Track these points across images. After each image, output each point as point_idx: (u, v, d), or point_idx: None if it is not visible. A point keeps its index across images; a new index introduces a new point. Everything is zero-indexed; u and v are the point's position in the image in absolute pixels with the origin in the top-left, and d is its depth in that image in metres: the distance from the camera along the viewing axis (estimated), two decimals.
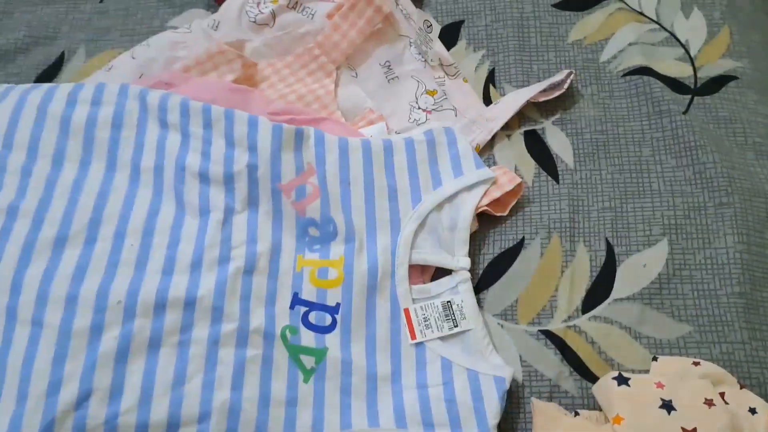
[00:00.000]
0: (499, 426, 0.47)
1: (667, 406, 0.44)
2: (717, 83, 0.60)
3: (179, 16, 0.67)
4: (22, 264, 0.47)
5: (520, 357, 0.50)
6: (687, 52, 0.62)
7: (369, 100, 0.60)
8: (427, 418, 0.45)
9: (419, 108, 0.60)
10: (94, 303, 0.45)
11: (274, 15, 0.62)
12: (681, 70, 0.61)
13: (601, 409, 0.47)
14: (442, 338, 0.49)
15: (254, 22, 0.61)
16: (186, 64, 0.58)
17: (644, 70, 0.61)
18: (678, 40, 0.63)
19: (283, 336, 0.47)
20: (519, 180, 0.54)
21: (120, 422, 0.43)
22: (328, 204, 0.52)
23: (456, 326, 0.49)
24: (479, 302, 0.52)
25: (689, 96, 0.60)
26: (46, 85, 0.55)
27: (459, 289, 0.51)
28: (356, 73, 0.61)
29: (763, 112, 0.59)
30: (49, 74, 0.64)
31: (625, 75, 0.61)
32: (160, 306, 0.46)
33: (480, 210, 0.53)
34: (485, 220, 0.55)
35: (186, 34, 0.61)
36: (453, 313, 0.50)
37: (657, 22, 0.64)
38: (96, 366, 0.44)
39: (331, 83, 0.60)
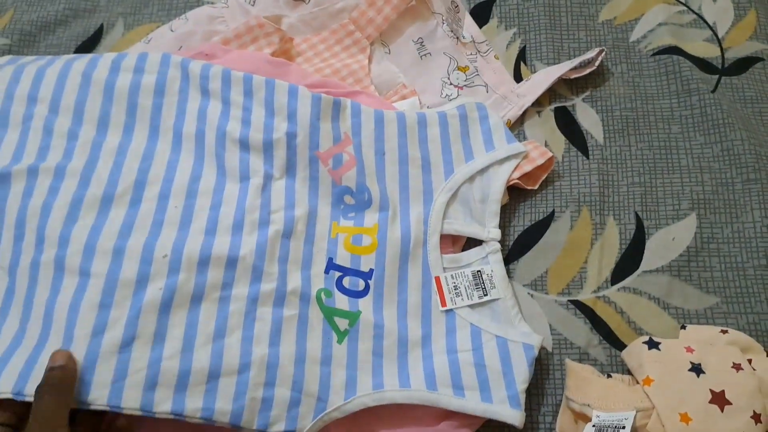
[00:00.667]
0: (529, 392, 0.48)
1: (697, 369, 0.45)
2: (744, 64, 0.61)
3: None
4: (69, 220, 0.48)
5: (550, 326, 0.51)
6: (714, 33, 0.63)
7: (402, 75, 0.61)
8: (456, 382, 0.46)
9: (451, 84, 0.61)
10: (141, 255, 0.47)
11: None
12: (709, 51, 0.62)
13: (630, 374, 0.48)
14: (471, 306, 0.50)
15: None
16: (225, 37, 0.59)
17: (673, 50, 0.62)
18: (706, 21, 0.64)
19: (318, 298, 0.48)
20: (550, 154, 0.55)
21: (163, 367, 0.44)
22: (364, 173, 0.53)
23: (486, 295, 0.50)
24: (509, 273, 0.53)
25: (717, 76, 0.61)
26: (89, 55, 0.56)
27: (489, 259, 0.52)
28: (389, 50, 0.63)
29: None
30: (87, 47, 0.65)
31: (654, 54, 0.62)
32: (203, 262, 0.47)
33: (511, 183, 0.54)
34: (516, 194, 0.56)
35: (223, 9, 0.62)
36: (483, 282, 0.51)
37: (685, 4, 0.65)
38: (141, 314, 0.45)
39: (365, 59, 0.61)
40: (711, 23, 0.64)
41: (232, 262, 0.48)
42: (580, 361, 0.50)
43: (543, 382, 0.50)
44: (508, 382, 0.46)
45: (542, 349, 0.50)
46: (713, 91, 0.59)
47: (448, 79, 0.62)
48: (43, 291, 0.46)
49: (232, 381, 0.45)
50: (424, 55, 0.63)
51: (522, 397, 0.46)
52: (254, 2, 0.63)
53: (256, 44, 0.58)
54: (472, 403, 0.45)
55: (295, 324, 0.47)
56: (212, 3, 0.64)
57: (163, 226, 0.49)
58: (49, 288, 0.46)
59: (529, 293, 0.53)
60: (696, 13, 0.64)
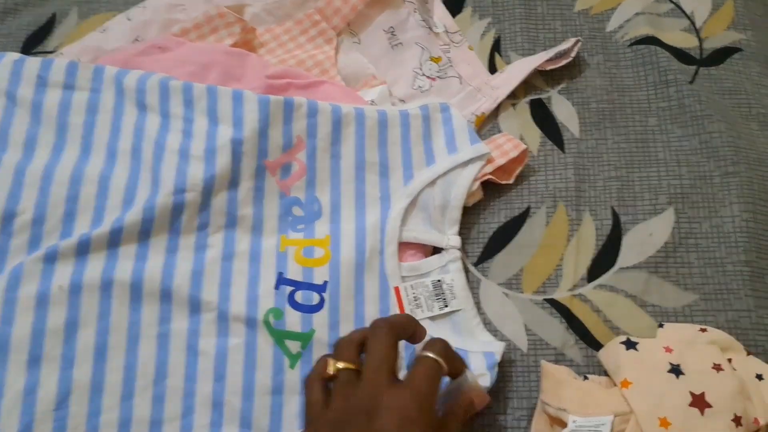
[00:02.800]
0: (503, 395, 0.47)
1: (676, 370, 0.43)
2: (722, 54, 0.60)
3: None
4: None
5: (525, 326, 0.50)
6: (692, 23, 0.62)
7: (371, 66, 0.58)
8: None
9: (423, 75, 0.59)
10: (68, 295, 0.44)
11: None
12: (687, 41, 0.61)
13: (607, 375, 0.46)
14: (431, 318, 0.48)
15: None
16: (184, 27, 0.56)
17: (650, 40, 0.60)
18: (683, 11, 0.62)
19: (267, 322, 0.46)
20: (524, 146, 0.53)
21: (102, 420, 0.42)
22: (314, 181, 0.50)
23: (446, 306, 0.48)
24: (484, 271, 0.52)
25: (695, 66, 0.59)
26: (10, 58, 0.52)
27: (449, 268, 0.50)
28: (359, 39, 0.60)
29: (766, 83, 0.59)
30: (39, 36, 0.62)
31: (631, 44, 0.60)
32: (136, 297, 0.45)
33: (485, 178, 0.53)
34: (491, 190, 0.54)
35: None
36: (443, 293, 0.49)
37: None
38: (74, 365, 0.42)
39: (331, 49, 0.58)
40: (689, 13, 0.62)
41: (166, 294, 0.45)
42: (556, 362, 0.48)
43: (517, 385, 0.48)
44: None
45: (517, 350, 0.49)
46: (691, 82, 0.58)
47: (420, 70, 0.59)
48: None
49: (175, 426, 0.42)
50: (396, 45, 0.60)
51: None
52: None
53: (216, 35, 0.56)
54: None
55: (241, 353, 0.44)
56: None
57: (89, 257, 0.45)
58: None
59: (503, 293, 0.51)
60: (673, 2, 0.63)
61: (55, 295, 0.44)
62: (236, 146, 0.48)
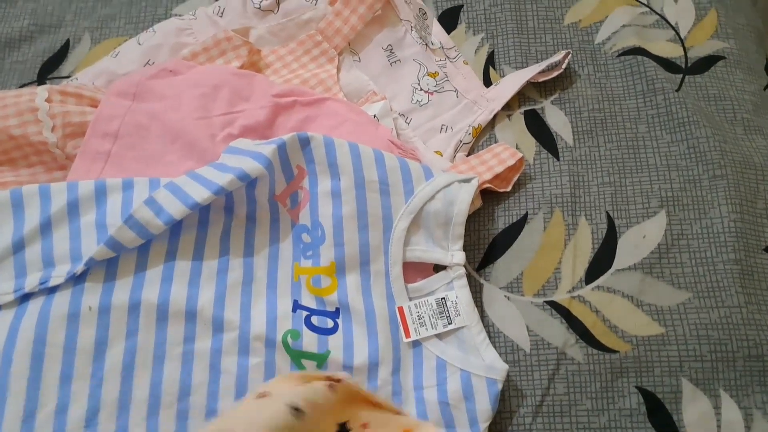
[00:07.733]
0: (508, 394, 0.49)
1: None
2: (706, 63, 0.63)
3: (183, 4, 0.68)
4: None
5: (527, 327, 0.52)
6: (677, 33, 0.64)
7: (371, 83, 0.61)
8: (423, 419, 0.46)
9: (421, 90, 0.62)
10: (97, 318, 0.45)
11: (278, 1, 0.63)
12: (672, 51, 0.63)
13: None
14: (438, 336, 0.49)
15: (259, 8, 0.62)
16: (193, 50, 0.59)
17: (638, 51, 0.63)
18: (668, 22, 0.65)
19: (285, 342, 0.47)
20: (520, 155, 0.56)
21: None
22: (317, 207, 0.51)
23: (450, 323, 0.49)
24: (486, 276, 0.54)
25: (681, 75, 0.62)
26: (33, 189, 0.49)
27: (454, 284, 0.51)
28: (359, 58, 0.63)
29: (749, 89, 0.62)
30: (54, 62, 0.64)
31: (619, 55, 0.63)
32: (162, 317, 0.46)
33: (483, 187, 0.55)
34: (489, 197, 0.57)
35: (191, 21, 0.62)
36: (447, 310, 0.50)
37: (647, 5, 0.66)
38: (103, 382, 0.44)
39: (333, 68, 0.61)
40: (673, 23, 0.65)
41: (191, 314, 0.46)
42: (558, 361, 0.50)
43: (521, 384, 0.50)
44: (471, 419, 0.46)
45: (520, 350, 0.51)
46: (678, 90, 0.61)
47: (419, 85, 0.62)
48: None
49: None
50: (394, 62, 0.63)
51: None
52: (222, 13, 0.63)
53: (224, 57, 0.58)
54: None
55: (261, 372, 0.46)
56: (180, 15, 0.64)
57: (117, 279, 0.47)
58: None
59: (505, 296, 0.53)
60: (658, 14, 0.66)
61: (85, 315, 0.45)
62: (249, 191, 0.50)
